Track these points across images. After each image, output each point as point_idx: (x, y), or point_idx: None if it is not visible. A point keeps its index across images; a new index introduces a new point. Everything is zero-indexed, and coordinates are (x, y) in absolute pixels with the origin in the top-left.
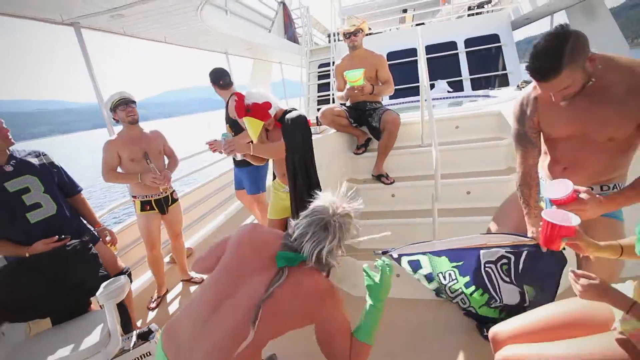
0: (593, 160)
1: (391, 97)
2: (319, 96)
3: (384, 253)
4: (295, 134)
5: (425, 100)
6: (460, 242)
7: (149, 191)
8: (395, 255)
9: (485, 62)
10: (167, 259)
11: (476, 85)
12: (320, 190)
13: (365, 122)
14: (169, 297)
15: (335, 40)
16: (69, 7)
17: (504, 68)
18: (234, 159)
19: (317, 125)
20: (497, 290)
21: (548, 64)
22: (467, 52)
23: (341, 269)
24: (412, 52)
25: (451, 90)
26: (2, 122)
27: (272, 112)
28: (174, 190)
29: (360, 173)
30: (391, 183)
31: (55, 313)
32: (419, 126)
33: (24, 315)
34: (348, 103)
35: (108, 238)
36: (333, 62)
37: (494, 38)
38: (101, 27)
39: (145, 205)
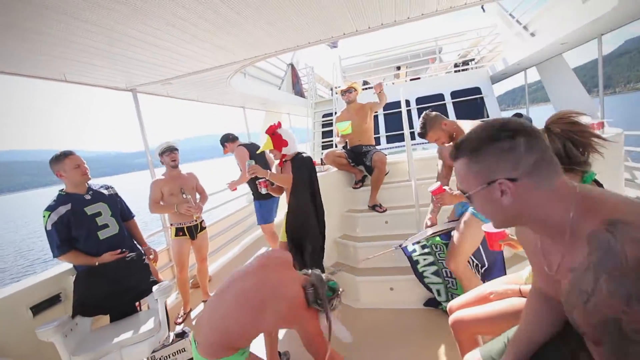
0: None
1: (390, 142)
2: (322, 142)
3: (400, 246)
4: (302, 168)
5: (406, 144)
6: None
7: (182, 219)
8: (410, 248)
9: (469, 110)
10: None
11: None
12: (324, 214)
13: (361, 161)
14: (192, 314)
15: (336, 94)
16: (132, 78)
17: (487, 115)
18: (253, 194)
19: (322, 164)
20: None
21: (421, 131)
22: (453, 103)
23: (344, 286)
24: (406, 103)
25: None
26: (85, 162)
27: (285, 151)
28: (202, 220)
29: (358, 204)
30: (384, 211)
31: (114, 311)
32: (405, 164)
33: (91, 311)
34: (347, 146)
35: (152, 256)
36: (335, 112)
37: (477, 90)
38: (152, 91)
39: (178, 232)
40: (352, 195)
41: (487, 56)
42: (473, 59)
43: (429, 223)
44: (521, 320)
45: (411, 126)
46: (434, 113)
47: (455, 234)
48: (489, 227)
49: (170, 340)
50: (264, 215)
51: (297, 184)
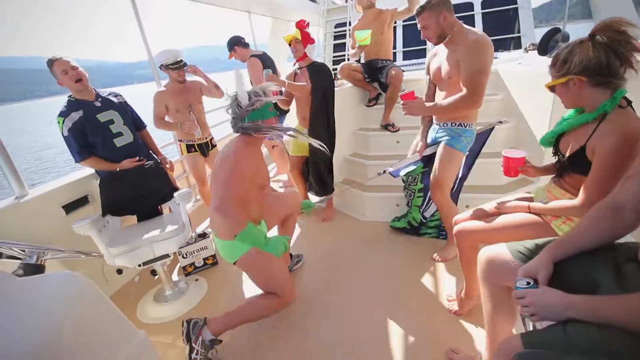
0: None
1: (407, 58)
2: (334, 56)
3: (384, 172)
4: (320, 77)
5: None
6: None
7: (191, 137)
8: (394, 173)
9: (501, 24)
10: None
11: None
12: (335, 132)
13: (376, 78)
14: None
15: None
16: None
17: (519, 31)
18: None
19: (335, 79)
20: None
21: (420, 5)
22: (482, 14)
23: (353, 200)
24: None
25: None
26: (77, 68)
27: (308, 50)
28: (212, 137)
29: (371, 123)
30: (396, 131)
31: (139, 212)
32: (424, 83)
33: (119, 211)
34: (362, 60)
35: (168, 165)
36: (349, 22)
37: (511, 0)
38: None
39: (190, 148)
40: (364, 113)
41: None
42: None
43: (417, 148)
44: (577, 226)
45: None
46: None
47: (437, 166)
48: (511, 152)
49: (194, 239)
50: None
51: (315, 93)
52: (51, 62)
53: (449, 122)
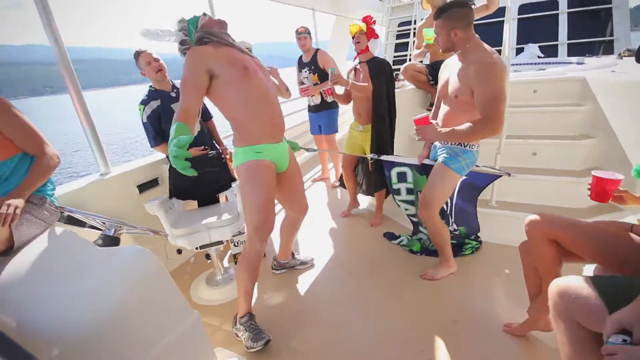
0: (449, 119)
1: None
2: (395, 55)
3: (379, 157)
4: (380, 76)
5: (534, 64)
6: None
7: None
8: (387, 165)
9: (589, 25)
10: None
11: (574, 51)
12: (394, 132)
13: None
14: None
15: None
16: None
17: (611, 34)
18: (309, 105)
19: (396, 80)
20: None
21: (437, 9)
22: (569, 14)
23: None
24: (501, 12)
25: (542, 55)
26: (158, 60)
27: (371, 45)
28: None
29: None
30: None
31: (200, 198)
32: None
33: (183, 195)
34: (427, 61)
35: (228, 155)
36: (414, 21)
37: None
38: None
39: None
40: None
41: None
42: None
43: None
44: None
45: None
46: (467, 5)
47: (427, 183)
48: (602, 173)
49: (245, 229)
50: (332, 124)
51: (377, 93)
52: (137, 54)
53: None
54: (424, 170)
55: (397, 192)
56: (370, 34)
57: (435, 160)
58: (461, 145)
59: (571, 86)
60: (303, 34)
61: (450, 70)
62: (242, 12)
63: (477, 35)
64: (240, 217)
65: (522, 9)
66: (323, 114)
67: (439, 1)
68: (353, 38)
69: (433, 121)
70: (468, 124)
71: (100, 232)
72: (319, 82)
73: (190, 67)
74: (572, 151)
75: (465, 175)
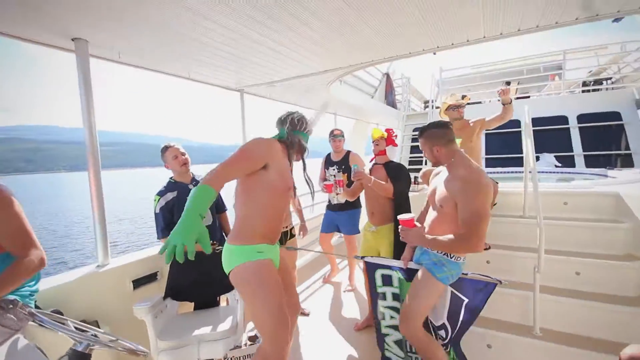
0: (435, 226)
1: (490, 166)
2: (410, 157)
3: (362, 258)
4: (400, 178)
5: (530, 172)
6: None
7: None
8: (370, 264)
9: (603, 139)
10: None
11: (591, 162)
12: None
13: None
14: None
15: (432, 108)
16: (242, 79)
17: (627, 147)
18: (330, 203)
19: (415, 183)
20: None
21: (420, 130)
22: (580, 128)
23: None
24: (515, 123)
25: (559, 165)
26: (184, 154)
27: (389, 151)
28: (293, 227)
29: None
30: (487, 249)
31: (198, 299)
32: (521, 197)
33: (180, 296)
34: None
35: None
36: None
37: (614, 116)
38: (257, 93)
39: None
40: None
41: (630, 75)
42: (609, 78)
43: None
44: None
45: (519, 151)
46: (444, 126)
47: (410, 293)
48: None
49: (243, 343)
50: (355, 224)
51: (399, 194)
52: (165, 148)
53: None
54: (409, 276)
55: (383, 297)
56: (390, 140)
57: (420, 264)
58: (447, 255)
59: (605, 201)
60: (339, 137)
61: (439, 179)
62: (267, 107)
63: (462, 150)
64: (239, 330)
65: (534, 121)
66: (345, 214)
67: (453, 114)
68: (373, 141)
69: (417, 224)
70: (450, 237)
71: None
72: (347, 181)
73: (261, 148)
74: (621, 274)
75: (466, 297)
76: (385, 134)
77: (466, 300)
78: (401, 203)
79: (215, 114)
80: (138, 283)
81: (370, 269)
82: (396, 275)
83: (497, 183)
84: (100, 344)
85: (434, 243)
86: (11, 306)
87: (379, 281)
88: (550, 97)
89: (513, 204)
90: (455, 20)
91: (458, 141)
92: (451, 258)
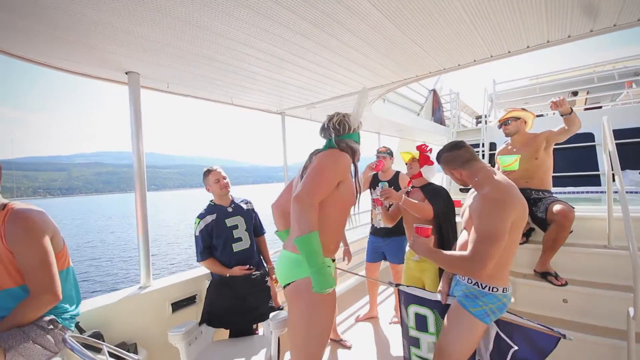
0: (463, 248)
1: (558, 185)
2: None
3: (397, 285)
4: (438, 199)
5: (616, 192)
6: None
7: None
8: (404, 292)
9: (635, 156)
10: None
11: None
12: None
13: (529, 210)
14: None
15: (485, 123)
16: (282, 102)
17: None
18: (374, 228)
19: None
20: None
21: (436, 156)
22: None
23: None
24: (588, 136)
25: None
26: (225, 178)
27: (424, 171)
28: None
29: (518, 266)
30: (563, 285)
31: (234, 327)
32: (602, 223)
33: (215, 323)
34: None
35: (274, 276)
36: (482, 144)
37: None
38: (297, 115)
39: None
40: None
41: None
42: None
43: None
44: None
45: (592, 168)
46: (456, 147)
47: (443, 329)
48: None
49: None
50: (403, 252)
51: (441, 216)
52: (208, 172)
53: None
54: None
55: (416, 343)
56: (424, 160)
57: (454, 297)
58: (477, 286)
59: None
60: (383, 154)
61: (469, 200)
62: (308, 133)
63: (488, 166)
64: None
65: (615, 133)
66: (392, 240)
67: (514, 128)
68: (406, 164)
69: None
70: (452, 253)
71: None
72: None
73: (338, 169)
74: None
75: (515, 344)
76: (417, 154)
77: (515, 347)
78: (445, 227)
79: (263, 136)
80: (177, 306)
81: (403, 302)
82: (432, 317)
83: (573, 208)
84: None
85: (436, 256)
86: (51, 327)
87: (411, 321)
88: (630, 107)
89: (595, 232)
90: (512, 25)
91: (515, 157)
92: (483, 288)
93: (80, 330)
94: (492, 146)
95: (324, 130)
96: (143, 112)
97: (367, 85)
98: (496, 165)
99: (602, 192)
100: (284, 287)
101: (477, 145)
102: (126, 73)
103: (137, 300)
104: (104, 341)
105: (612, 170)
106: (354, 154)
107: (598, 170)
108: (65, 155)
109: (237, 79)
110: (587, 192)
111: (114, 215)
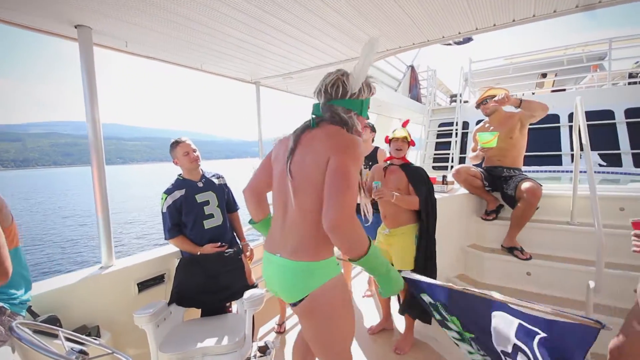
0: None
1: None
2: (435, 154)
3: (406, 279)
4: (420, 184)
5: (584, 172)
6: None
7: None
8: (411, 279)
9: None
10: None
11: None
12: (435, 246)
13: (499, 188)
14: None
15: (460, 102)
16: (257, 70)
17: None
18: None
19: (443, 183)
20: None
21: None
22: (627, 123)
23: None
24: (554, 118)
25: (604, 164)
26: (195, 150)
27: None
28: None
29: (487, 241)
30: (527, 259)
31: (206, 306)
32: (567, 200)
33: (186, 302)
34: (483, 165)
35: (248, 253)
36: (456, 123)
37: None
38: (273, 85)
39: None
40: (479, 227)
41: None
42: None
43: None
44: None
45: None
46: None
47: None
48: None
49: (252, 354)
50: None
51: (424, 202)
52: (176, 144)
53: None
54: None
55: (444, 324)
56: (412, 141)
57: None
58: None
59: None
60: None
61: None
62: (285, 104)
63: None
64: (247, 342)
65: (573, 117)
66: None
67: (492, 107)
68: (392, 142)
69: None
70: None
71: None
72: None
73: (359, 165)
74: None
75: (544, 332)
76: (409, 135)
77: (541, 334)
78: (425, 209)
79: (238, 107)
80: (144, 286)
81: (415, 289)
82: (442, 309)
83: (540, 185)
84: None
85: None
86: None
87: (436, 314)
88: (593, 90)
89: (558, 209)
90: None
91: (494, 134)
92: None
93: (34, 315)
94: (465, 125)
95: (318, 94)
96: (99, 75)
97: (349, 54)
98: (472, 144)
99: (563, 171)
100: (295, 304)
101: (450, 124)
102: (76, 27)
103: (98, 281)
104: (61, 325)
105: (582, 149)
106: (349, 128)
107: (560, 151)
108: (16, 124)
109: (208, 41)
110: (550, 171)
111: (73, 189)
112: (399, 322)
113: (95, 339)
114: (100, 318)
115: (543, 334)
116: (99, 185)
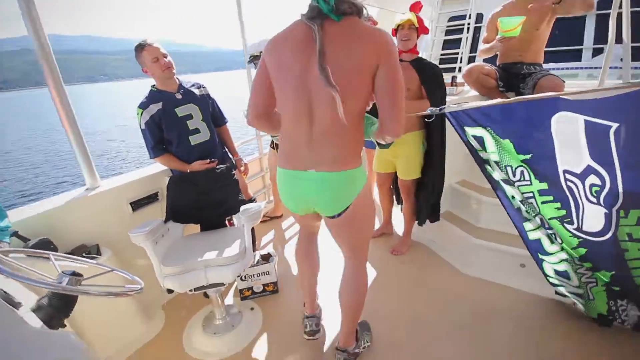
0: None
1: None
2: (442, 54)
3: (440, 110)
4: (435, 86)
5: (616, 67)
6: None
7: None
8: (454, 121)
9: None
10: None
11: None
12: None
13: (514, 87)
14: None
15: None
16: None
17: None
18: None
19: (452, 85)
20: (579, 211)
21: None
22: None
23: (456, 246)
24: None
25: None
26: (166, 56)
27: (419, 42)
28: None
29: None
30: None
31: (202, 222)
32: None
33: (182, 218)
34: (497, 62)
35: (242, 168)
36: (470, 16)
37: None
38: None
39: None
40: None
41: None
42: None
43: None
44: None
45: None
46: None
47: None
48: None
49: (256, 261)
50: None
51: (434, 105)
52: (141, 48)
53: None
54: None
55: (493, 164)
56: (422, 27)
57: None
58: None
59: None
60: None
61: None
62: (274, 5)
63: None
64: (247, 254)
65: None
66: None
67: None
68: (398, 32)
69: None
70: None
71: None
72: None
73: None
74: None
75: (615, 121)
76: (415, 20)
77: (614, 124)
78: (440, 128)
79: (230, 14)
80: (137, 205)
81: (457, 127)
82: (487, 135)
83: (563, 81)
84: (87, 286)
85: None
86: None
87: (476, 145)
88: None
89: None
90: None
91: (520, 19)
92: None
93: (24, 240)
94: (479, 17)
95: None
96: None
97: None
98: (485, 35)
99: (582, 67)
100: (340, 213)
101: (462, 17)
102: None
103: (88, 202)
104: (55, 248)
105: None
106: (363, 17)
107: (582, 44)
108: None
109: None
110: (568, 68)
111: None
112: (398, 227)
113: (89, 260)
114: (98, 237)
115: (615, 124)
116: (62, 104)
